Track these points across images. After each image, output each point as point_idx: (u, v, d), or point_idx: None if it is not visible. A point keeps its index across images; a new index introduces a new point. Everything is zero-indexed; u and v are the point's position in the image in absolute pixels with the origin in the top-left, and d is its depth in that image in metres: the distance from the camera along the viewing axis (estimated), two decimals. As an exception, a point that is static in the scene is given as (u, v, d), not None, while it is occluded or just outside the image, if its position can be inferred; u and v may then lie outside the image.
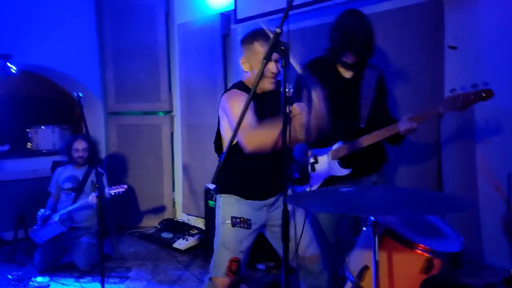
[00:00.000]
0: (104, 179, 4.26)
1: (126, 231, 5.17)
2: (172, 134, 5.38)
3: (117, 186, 3.98)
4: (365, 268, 1.78)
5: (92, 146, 4.16)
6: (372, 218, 1.53)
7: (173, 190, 5.42)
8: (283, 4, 3.88)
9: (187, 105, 5.04)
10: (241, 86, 2.30)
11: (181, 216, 5.30)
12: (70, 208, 4.03)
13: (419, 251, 1.68)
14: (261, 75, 1.68)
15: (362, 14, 2.59)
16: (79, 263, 3.96)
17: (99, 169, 4.27)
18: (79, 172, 4.24)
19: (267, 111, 2.16)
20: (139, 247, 4.69)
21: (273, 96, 2.21)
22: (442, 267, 1.70)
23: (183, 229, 4.82)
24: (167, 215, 5.33)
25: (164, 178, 5.36)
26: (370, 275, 1.78)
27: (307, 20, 3.88)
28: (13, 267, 4.07)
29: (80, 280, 3.80)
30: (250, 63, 2.25)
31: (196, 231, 4.73)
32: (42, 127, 5.46)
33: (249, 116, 2.07)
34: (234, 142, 2.16)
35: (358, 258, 1.85)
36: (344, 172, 2.51)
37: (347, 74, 2.64)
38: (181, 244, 4.50)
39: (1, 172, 4.99)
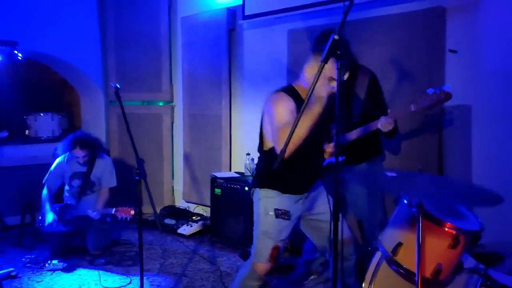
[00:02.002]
0: (112, 166, 4.33)
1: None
2: (172, 124, 5.53)
3: (107, 209, 3.88)
4: (399, 245, 2.06)
5: (92, 147, 4.16)
6: (416, 200, 1.80)
7: (172, 178, 5.59)
8: (292, 3, 4.15)
9: (189, 95, 5.19)
10: (290, 90, 2.43)
11: (180, 204, 5.47)
12: (73, 214, 4.00)
13: (447, 229, 1.97)
14: (317, 81, 1.85)
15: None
16: (90, 246, 4.09)
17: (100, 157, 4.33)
18: (85, 167, 4.21)
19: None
20: (143, 232, 4.82)
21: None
22: (466, 243, 2.00)
23: (185, 215, 5.00)
24: (166, 202, 5.49)
25: (164, 166, 5.51)
26: (404, 251, 2.06)
27: (313, 20, 4.11)
28: (22, 251, 4.17)
29: (94, 262, 3.94)
30: (314, 73, 2.37)
31: (199, 218, 4.92)
32: (41, 114, 5.49)
33: (288, 121, 2.24)
34: (271, 146, 2.42)
35: (392, 236, 2.13)
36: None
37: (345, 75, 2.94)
38: (186, 230, 4.70)
39: (0, 158, 5.02)
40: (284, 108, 2.32)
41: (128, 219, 3.73)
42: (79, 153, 4.08)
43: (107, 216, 3.97)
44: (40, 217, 4.09)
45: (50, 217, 3.91)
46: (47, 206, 4.01)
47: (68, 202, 4.16)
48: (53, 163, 4.25)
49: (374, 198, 3.02)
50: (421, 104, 2.61)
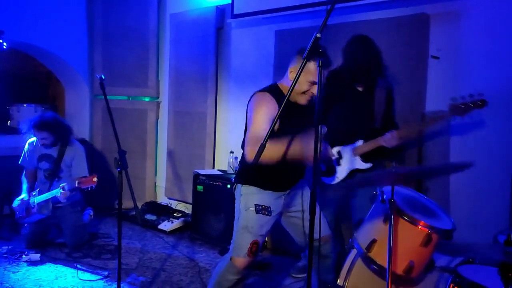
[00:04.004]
0: (83, 154, 4.18)
1: (107, 212, 5.30)
2: (157, 120, 5.52)
3: (86, 179, 3.70)
4: (374, 241, 2.10)
5: (52, 129, 3.98)
6: (389, 197, 1.84)
7: (155, 174, 5.58)
8: (280, 3, 4.20)
9: (175, 92, 5.20)
10: (275, 90, 2.44)
11: (162, 200, 5.47)
12: (43, 198, 3.89)
13: (420, 227, 2.02)
14: (295, 85, 1.86)
15: (371, 41, 3.03)
16: (68, 241, 4.07)
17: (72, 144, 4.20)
18: (52, 151, 4.10)
19: (292, 122, 2.35)
20: (123, 227, 4.81)
21: (302, 111, 2.41)
22: (438, 242, 2.05)
23: (167, 212, 5.00)
24: (148, 198, 5.48)
25: (147, 162, 5.50)
26: (377, 247, 2.11)
27: (300, 21, 4.17)
28: (-1, 242, 4.13)
29: (72, 255, 3.92)
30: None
31: (180, 214, 4.92)
32: (24, 105, 5.44)
33: (265, 129, 2.21)
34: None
35: (367, 233, 2.17)
36: (366, 166, 2.99)
37: (360, 87, 3.08)
38: (166, 226, 4.70)
39: (-20, 148, 4.96)
40: (264, 114, 2.32)
41: (94, 187, 3.66)
42: (37, 135, 3.98)
43: (73, 191, 3.82)
44: (19, 214, 4.04)
45: (20, 197, 4.00)
46: (23, 187, 4.13)
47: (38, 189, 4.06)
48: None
49: None
50: (458, 111, 2.66)
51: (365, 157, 3.00)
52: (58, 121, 4.09)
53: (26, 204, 3.98)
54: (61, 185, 3.75)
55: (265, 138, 1.90)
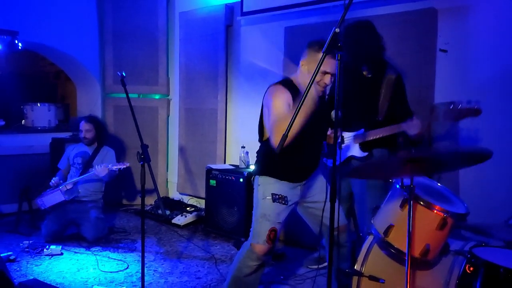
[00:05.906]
0: (113, 155, 4.49)
1: (121, 208, 5.42)
2: (168, 117, 5.62)
3: (120, 163, 4.19)
4: (391, 226, 2.20)
5: (98, 126, 4.46)
6: (407, 183, 1.94)
7: (167, 170, 5.69)
8: (289, 0, 4.28)
9: (186, 89, 5.29)
10: (288, 83, 2.55)
11: (174, 195, 5.58)
12: (76, 179, 4.20)
13: (436, 211, 2.12)
14: (313, 82, 1.95)
15: (373, 26, 3.05)
16: (87, 235, 4.16)
17: (105, 147, 4.52)
18: (89, 149, 4.44)
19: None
20: (137, 222, 4.93)
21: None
22: (452, 225, 2.15)
23: (179, 206, 5.10)
24: (160, 194, 5.55)
25: (158, 158, 5.60)
26: (394, 232, 2.20)
27: (309, 17, 4.26)
28: (18, 237, 4.22)
29: (91, 248, 4.03)
30: (309, 67, 2.48)
31: (193, 209, 5.03)
32: (38, 105, 5.55)
33: (285, 112, 2.34)
34: (267, 136, 2.53)
35: (385, 218, 2.27)
36: (363, 154, 3.02)
37: (367, 72, 3.09)
38: (180, 220, 4.80)
39: (-3, 147, 5.08)
40: (281, 100, 2.44)
41: (122, 168, 4.14)
42: (84, 126, 4.39)
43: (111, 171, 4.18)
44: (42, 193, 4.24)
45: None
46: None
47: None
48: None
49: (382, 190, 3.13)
50: (451, 116, 2.65)
51: (363, 146, 3.02)
52: (102, 123, 4.71)
53: (58, 181, 4.26)
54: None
55: (287, 129, 1.99)
